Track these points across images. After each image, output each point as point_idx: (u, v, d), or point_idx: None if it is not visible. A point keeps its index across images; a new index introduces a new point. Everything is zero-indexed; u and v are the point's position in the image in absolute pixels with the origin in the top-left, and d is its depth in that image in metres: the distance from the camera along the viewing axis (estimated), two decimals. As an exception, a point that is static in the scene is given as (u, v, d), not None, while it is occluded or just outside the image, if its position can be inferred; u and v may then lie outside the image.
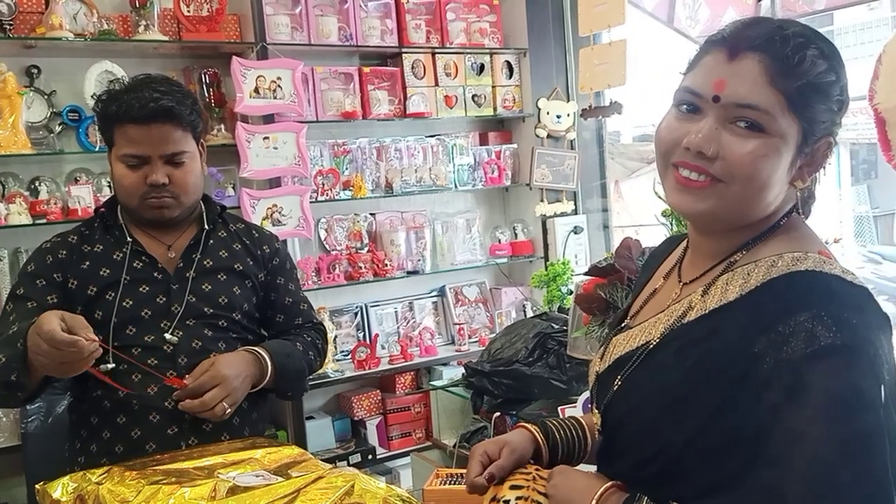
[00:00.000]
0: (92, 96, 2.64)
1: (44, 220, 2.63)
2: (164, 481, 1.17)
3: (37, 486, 1.28)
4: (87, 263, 1.65)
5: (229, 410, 1.56)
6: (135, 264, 1.65)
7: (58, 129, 2.75)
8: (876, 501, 0.84)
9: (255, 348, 1.67)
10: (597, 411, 1.09)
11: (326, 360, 3.04)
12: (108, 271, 1.64)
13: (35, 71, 2.73)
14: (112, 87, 1.69)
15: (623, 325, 1.13)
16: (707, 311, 0.96)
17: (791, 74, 0.90)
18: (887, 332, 0.89)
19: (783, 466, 0.85)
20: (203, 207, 1.76)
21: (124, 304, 1.61)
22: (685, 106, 0.96)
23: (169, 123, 1.60)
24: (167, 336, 1.61)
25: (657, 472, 0.96)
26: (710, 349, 0.93)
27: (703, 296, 0.98)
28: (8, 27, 2.57)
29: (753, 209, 0.95)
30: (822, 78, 0.92)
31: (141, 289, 1.64)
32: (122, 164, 1.62)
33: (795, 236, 0.98)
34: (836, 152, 0.98)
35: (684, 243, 1.12)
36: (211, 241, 1.74)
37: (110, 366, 1.56)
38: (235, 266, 1.74)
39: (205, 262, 1.70)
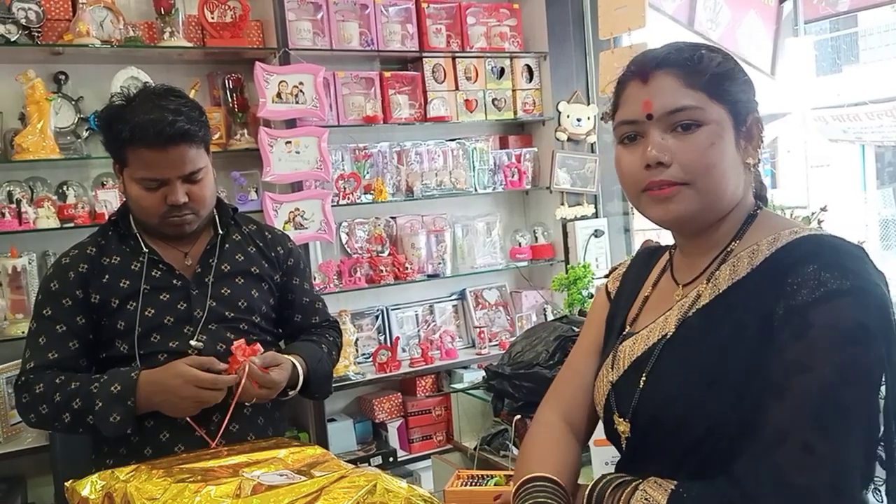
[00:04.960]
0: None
1: (71, 224, 2.68)
2: (190, 479, 1.18)
3: (66, 484, 1.29)
4: (107, 277, 1.65)
5: (260, 394, 1.58)
6: (153, 273, 1.66)
7: (85, 134, 2.80)
8: (871, 431, 0.91)
9: (290, 356, 1.67)
10: (621, 419, 1.08)
11: (348, 364, 3.08)
12: (127, 283, 1.64)
13: (63, 77, 2.78)
14: (113, 101, 1.63)
15: (626, 332, 1.14)
16: (721, 291, 1.02)
17: (698, 72, 1.01)
18: (886, 285, 0.95)
19: (786, 394, 0.90)
20: (215, 211, 1.75)
21: (146, 313, 1.62)
22: (627, 138, 1.05)
23: (184, 144, 1.57)
24: (192, 342, 1.62)
25: (707, 455, 0.97)
26: (735, 321, 0.98)
27: (708, 282, 1.04)
28: (36, 34, 2.62)
29: (724, 196, 1.02)
30: (723, 67, 1.03)
31: (161, 297, 1.65)
32: (139, 186, 1.60)
33: (779, 220, 1.07)
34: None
35: (665, 255, 1.19)
36: (226, 246, 1.74)
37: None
38: (252, 269, 1.75)
39: (222, 267, 1.71)
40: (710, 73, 1.01)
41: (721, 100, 1.01)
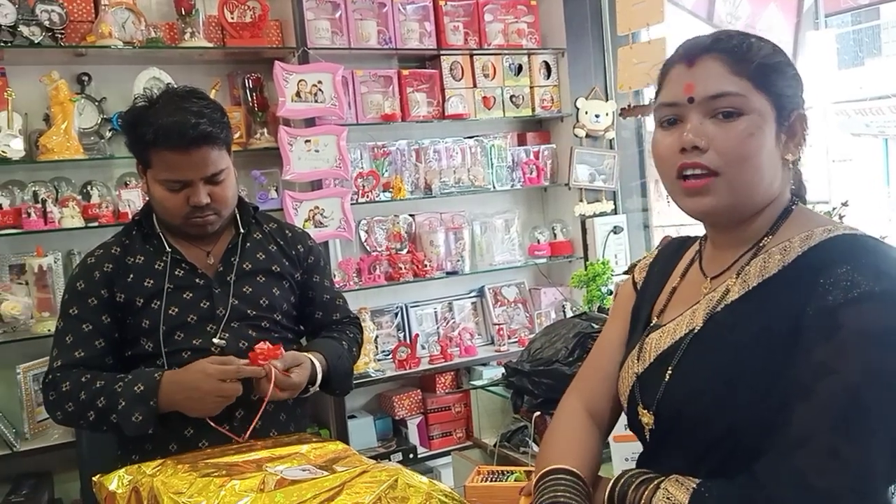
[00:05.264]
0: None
1: (96, 224, 2.71)
2: (215, 474, 1.20)
3: (93, 479, 1.32)
4: (132, 276, 1.67)
5: (281, 395, 1.60)
6: (176, 272, 1.68)
7: (108, 134, 2.84)
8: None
9: (310, 354, 1.69)
10: (645, 411, 1.08)
11: (368, 361, 3.09)
12: (151, 282, 1.67)
13: (86, 78, 2.81)
14: (136, 103, 1.65)
15: (653, 324, 1.14)
16: (750, 288, 1.01)
17: (745, 59, 1.00)
18: None
19: (812, 396, 0.89)
20: (237, 210, 1.77)
21: (170, 311, 1.65)
22: (667, 120, 1.04)
23: (206, 147, 1.60)
24: (216, 340, 1.64)
25: (729, 451, 0.97)
26: (764, 319, 0.97)
27: (737, 277, 1.03)
28: (59, 36, 2.66)
29: (757, 190, 1.01)
30: (772, 59, 1.02)
31: (185, 295, 1.67)
32: (162, 187, 1.63)
33: (814, 217, 1.05)
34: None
35: (696, 245, 1.17)
36: (248, 244, 1.76)
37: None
38: (273, 267, 1.77)
39: (244, 266, 1.73)
40: (757, 62, 0.99)
41: (766, 91, 0.99)
